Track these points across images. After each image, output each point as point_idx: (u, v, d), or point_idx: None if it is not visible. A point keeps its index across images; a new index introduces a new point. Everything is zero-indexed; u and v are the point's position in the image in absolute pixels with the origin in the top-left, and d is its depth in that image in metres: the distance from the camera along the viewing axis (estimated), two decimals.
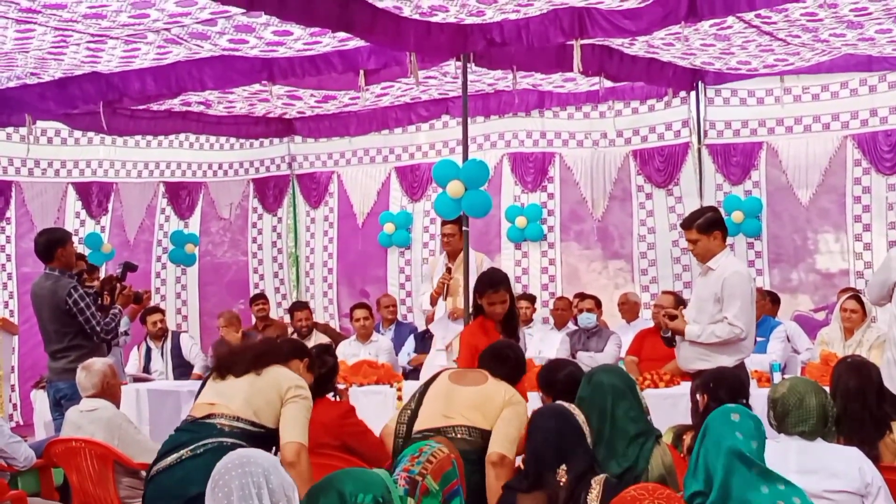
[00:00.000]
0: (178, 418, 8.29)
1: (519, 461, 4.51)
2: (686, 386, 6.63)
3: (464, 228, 7.76)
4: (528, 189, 11.31)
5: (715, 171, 10.52)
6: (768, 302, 9.07)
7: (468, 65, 7.87)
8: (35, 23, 6.62)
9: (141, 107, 9.78)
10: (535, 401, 5.76)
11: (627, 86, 10.01)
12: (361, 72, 8.13)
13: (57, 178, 10.96)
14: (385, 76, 8.65)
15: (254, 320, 10.95)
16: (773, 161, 10.31)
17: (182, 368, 9.98)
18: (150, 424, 8.33)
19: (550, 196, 11.31)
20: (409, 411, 5.11)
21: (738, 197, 10.29)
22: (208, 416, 4.40)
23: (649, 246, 10.83)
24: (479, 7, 6.83)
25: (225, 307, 11.35)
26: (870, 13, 7.20)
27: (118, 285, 7.56)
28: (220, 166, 12.38)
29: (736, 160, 10.42)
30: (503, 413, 4.81)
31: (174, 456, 4.32)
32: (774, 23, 7.51)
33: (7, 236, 10.64)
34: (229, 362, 4.60)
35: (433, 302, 8.61)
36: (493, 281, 6.40)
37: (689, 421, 5.38)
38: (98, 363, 6.29)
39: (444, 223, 8.45)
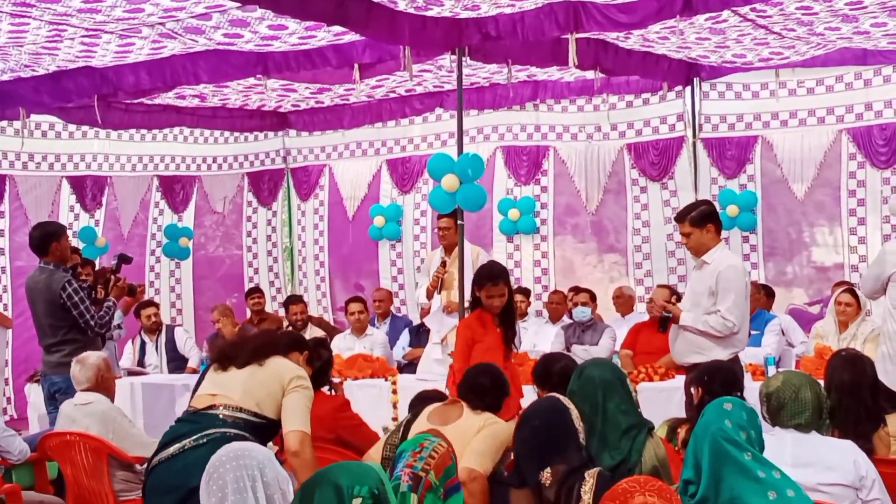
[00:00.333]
0: (172, 412, 8.30)
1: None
2: (681, 379, 6.63)
3: (459, 222, 7.75)
4: (521, 182, 11.31)
5: (710, 164, 10.53)
6: (763, 295, 9.08)
7: (463, 58, 7.86)
8: (29, 16, 6.60)
9: (135, 100, 9.76)
10: (530, 394, 5.79)
11: (622, 79, 10.00)
12: (356, 66, 8.12)
13: (51, 172, 10.95)
14: (380, 70, 8.63)
15: (249, 314, 10.94)
16: (767, 155, 10.31)
17: (177, 362, 9.96)
18: (145, 418, 8.33)
19: (544, 189, 11.31)
20: (392, 445, 5.04)
21: (733, 191, 10.29)
22: (210, 407, 4.40)
23: (644, 239, 10.83)
24: (473, 1, 6.82)
25: (219, 301, 11.35)
26: (865, 7, 7.20)
27: (112, 277, 7.56)
28: (215, 160, 12.36)
29: (731, 154, 10.43)
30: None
31: (176, 446, 4.31)
32: (769, 16, 7.51)
33: (1, 230, 10.62)
34: (231, 353, 4.58)
35: (429, 296, 8.62)
36: (493, 274, 6.40)
37: (683, 414, 5.39)
38: (92, 357, 6.28)
39: (439, 217, 8.46)
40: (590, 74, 9.18)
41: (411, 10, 6.93)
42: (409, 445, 3.59)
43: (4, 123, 10.13)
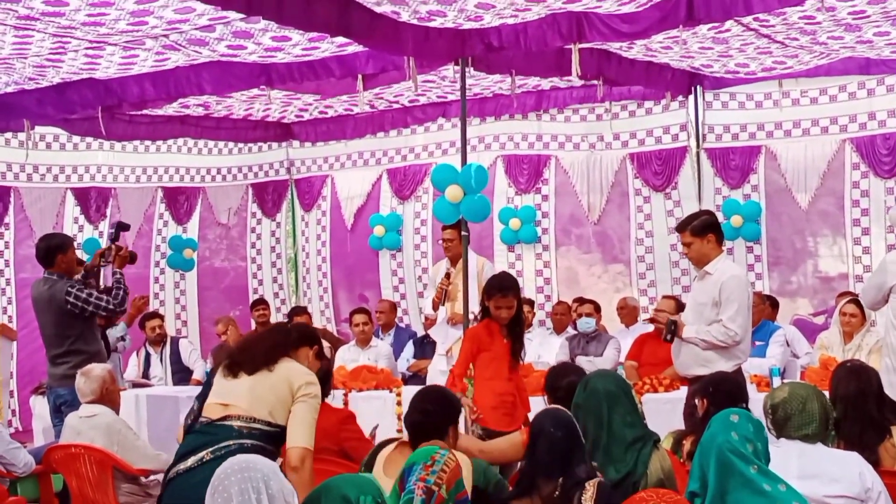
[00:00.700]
0: (177, 424, 8.27)
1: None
2: (686, 391, 6.62)
3: (463, 233, 7.75)
4: (522, 191, 11.30)
5: (714, 174, 10.53)
6: (768, 306, 9.07)
7: (466, 69, 7.87)
8: (33, 29, 6.62)
9: (139, 112, 9.78)
10: (537, 406, 5.78)
11: (625, 89, 10.01)
12: (360, 76, 8.13)
13: (56, 184, 10.96)
14: (383, 80, 8.65)
15: (254, 325, 10.94)
16: (771, 165, 10.31)
17: (181, 374, 9.97)
18: (149, 430, 8.32)
19: (545, 198, 11.30)
20: None
21: (737, 201, 10.29)
22: (224, 419, 4.38)
23: (647, 250, 10.82)
24: (477, 12, 6.83)
25: (223, 313, 11.36)
26: (868, 16, 7.21)
27: (113, 247, 7.48)
28: (219, 171, 12.37)
29: (734, 164, 10.43)
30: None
31: (194, 459, 4.29)
32: (772, 26, 7.52)
33: (6, 242, 10.62)
34: (240, 359, 4.55)
35: (435, 307, 8.63)
36: (503, 285, 6.39)
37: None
38: (97, 369, 6.29)
39: (443, 228, 8.46)
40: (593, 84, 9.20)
41: (414, 21, 6.94)
42: (420, 458, 3.58)
43: (9, 135, 10.15)
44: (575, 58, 7.31)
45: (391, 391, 7.99)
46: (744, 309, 6.22)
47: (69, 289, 7.01)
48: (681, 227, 6.47)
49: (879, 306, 6.44)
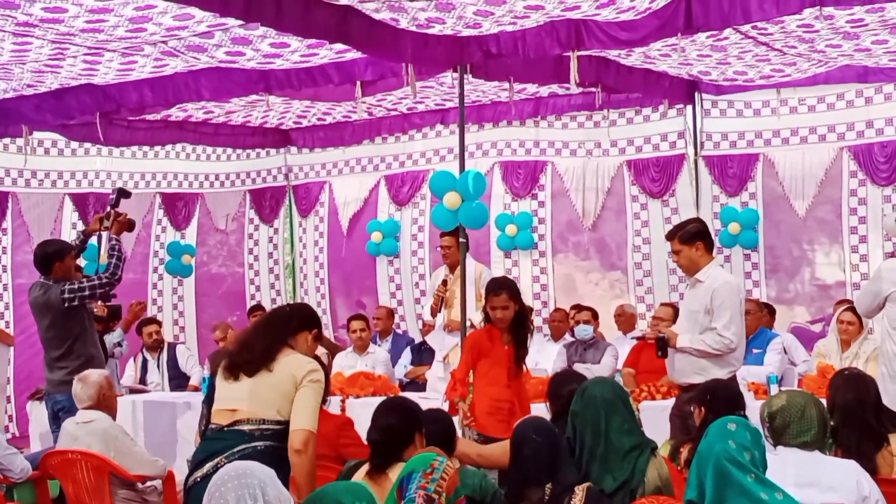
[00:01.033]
0: (174, 430, 8.31)
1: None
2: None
3: (461, 240, 7.76)
4: (518, 197, 11.31)
5: (711, 182, 10.53)
6: (765, 314, 9.06)
7: (465, 76, 7.88)
8: (32, 36, 6.62)
9: (137, 118, 9.78)
10: (537, 412, 5.79)
11: (623, 96, 10.02)
12: (358, 83, 8.14)
13: (54, 189, 10.95)
14: (381, 87, 8.66)
15: None
16: (769, 172, 10.32)
17: (178, 380, 9.95)
18: (146, 436, 8.32)
19: (541, 204, 11.30)
20: None
21: (735, 208, 10.30)
22: (234, 424, 4.42)
23: (644, 257, 10.83)
24: (475, 19, 6.84)
25: (221, 319, 11.34)
26: (866, 24, 7.22)
27: (112, 212, 7.44)
28: (217, 177, 12.37)
29: (732, 171, 10.43)
30: None
31: (210, 465, 4.33)
32: (770, 34, 7.53)
33: (3, 247, 10.61)
34: (239, 361, 4.55)
35: (433, 314, 8.63)
36: (497, 285, 6.43)
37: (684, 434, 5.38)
38: (94, 375, 6.29)
39: (441, 235, 8.47)
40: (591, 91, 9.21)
41: (413, 29, 6.95)
42: (419, 465, 3.58)
43: (7, 141, 10.15)
44: (573, 65, 7.32)
45: (388, 397, 7.97)
46: (737, 316, 6.21)
47: (62, 288, 7.00)
48: (670, 236, 6.48)
49: (874, 314, 6.44)
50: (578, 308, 9.80)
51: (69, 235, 10.77)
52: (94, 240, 7.98)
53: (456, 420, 5.94)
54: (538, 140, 11.28)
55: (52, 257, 7.15)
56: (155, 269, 11.88)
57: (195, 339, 12.05)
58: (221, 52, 7.41)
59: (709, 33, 7.32)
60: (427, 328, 10.29)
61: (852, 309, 8.04)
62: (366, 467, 4.32)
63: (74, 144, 10.80)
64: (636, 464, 4.17)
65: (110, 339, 9.17)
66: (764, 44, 7.83)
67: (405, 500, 3.47)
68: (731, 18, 6.50)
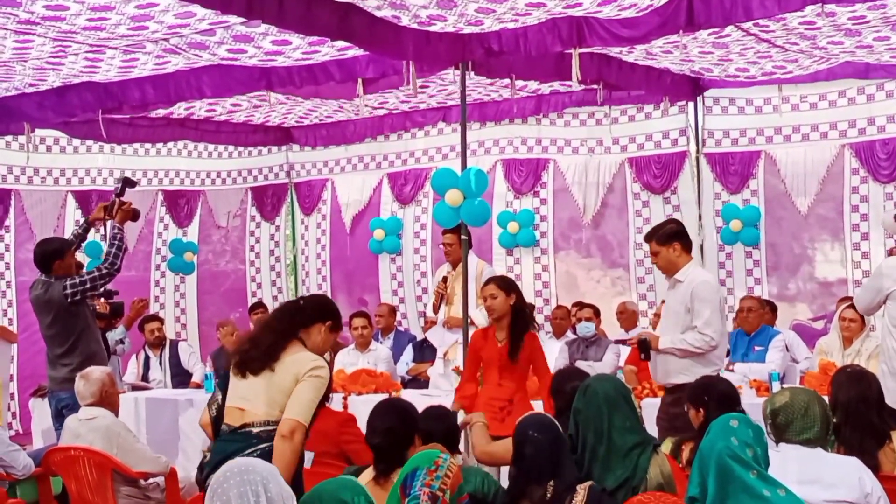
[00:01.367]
0: (176, 427, 8.32)
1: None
2: None
3: (463, 237, 7.76)
4: (520, 194, 11.32)
5: (713, 179, 10.54)
6: (767, 311, 9.06)
7: (467, 73, 7.87)
8: (34, 34, 6.62)
9: (139, 115, 9.79)
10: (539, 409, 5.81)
11: (625, 93, 10.02)
12: (360, 80, 8.13)
13: (56, 187, 10.96)
14: (383, 85, 8.65)
15: (252, 328, 10.95)
16: (771, 170, 10.32)
17: (180, 377, 9.96)
18: (148, 433, 8.33)
19: (543, 202, 11.31)
20: None
21: (737, 206, 10.30)
22: (244, 427, 4.47)
23: (646, 254, 10.77)
24: (477, 16, 6.84)
25: (223, 316, 11.35)
26: (868, 21, 7.22)
27: (117, 200, 7.41)
28: (219, 174, 12.38)
29: (734, 169, 10.44)
30: None
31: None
32: (772, 31, 7.53)
33: (6, 244, 10.62)
34: (246, 358, 4.58)
35: (435, 311, 8.65)
36: (487, 279, 6.51)
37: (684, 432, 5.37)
38: (96, 372, 6.29)
39: (443, 233, 8.48)
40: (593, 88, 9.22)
41: (415, 26, 6.95)
42: (424, 462, 3.58)
43: (9, 138, 10.15)
44: (575, 62, 7.32)
45: (390, 395, 7.99)
46: (717, 313, 6.21)
47: (64, 284, 7.00)
48: (647, 238, 6.50)
49: (874, 311, 6.43)
50: (580, 305, 9.81)
51: (72, 233, 10.79)
52: (98, 236, 8.00)
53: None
54: (540, 137, 11.28)
55: (51, 256, 7.14)
56: (157, 267, 11.89)
57: (197, 336, 12.07)
58: (223, 50, 7.41)
59: (710, 31, 7.32)
60: (428, 325, 10.30)
61: (854, 306, 8.05)
62: (367, 473, 4.31)
63: (76, 142, 10.81)
64: (638, 461, 4.18)
65: (113, 336, 9.18)
66: (766, 41, 7.83)
67: (409, 498, 3.47)
68: (733, 16, 6.50)
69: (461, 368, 7.18)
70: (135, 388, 9.52)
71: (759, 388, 7.40)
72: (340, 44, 7.16)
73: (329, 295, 12.44)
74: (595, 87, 8.92)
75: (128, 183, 7.60)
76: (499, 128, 11.26)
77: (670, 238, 6.33)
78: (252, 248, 12.80)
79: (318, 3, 6.21)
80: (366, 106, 9.58)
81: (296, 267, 12.94)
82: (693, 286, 6.21)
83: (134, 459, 6.00)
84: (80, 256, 8.98)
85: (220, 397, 4.71)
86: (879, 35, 7.65)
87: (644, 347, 6.32)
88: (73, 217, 11.04)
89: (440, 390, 7.88)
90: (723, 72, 9.16)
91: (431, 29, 7.06)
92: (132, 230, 11.17)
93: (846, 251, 9.99)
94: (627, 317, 10.00)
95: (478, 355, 6.48)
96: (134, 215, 7.58)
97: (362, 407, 7.65)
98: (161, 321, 10.42)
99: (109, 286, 7.68)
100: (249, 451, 4.38)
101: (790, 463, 4.03)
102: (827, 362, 7.65)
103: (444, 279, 8.50)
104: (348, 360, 9.40)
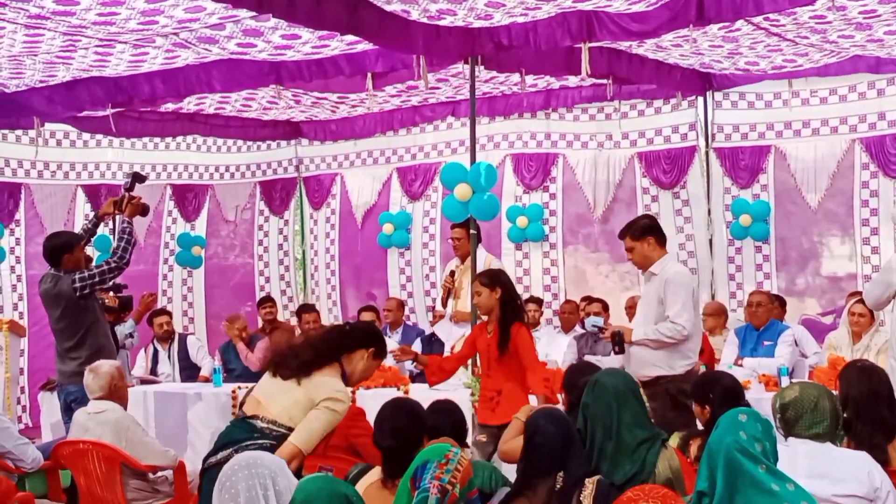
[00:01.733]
0: (184, 420, 8.34)
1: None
2: None
3: (471, 231, 7.76)
4: (530, 189, 11.31)
5: (723, 174, 10.52)
6: (776, 306, 9.05)
7: (476, 68, 7.87)
8: (44, 28, 6.63)
9: (148, 109, 9.81)
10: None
11: (634, 88, 10.00)
12: (369, 75, 8.13)
13: (66, 181, 10.99)
14: (392, 79, 8.65)
15: (260, 323, 10.95)
16: (781, 164, 10.30)
17: (189, 371, 9.98)
18: (157, 426, 8.33)
19: (552, 196, 11.30)
20: None
21: (746, 200, 10.28)
22: (254, 417, 4.73)
23: None
24: (486, 11, 6.83)
25: (231, 310, 11.36)
26: (879, 15, 7.19)
27: (127, 195, 7.43)
28: (227, 169, 12.39)
29: (744, 163, 10.42)
30: None
31: (225, 453, 4.59)
32: (783, 25, 7.50)
33: (17, 238, 10.65)
34: (281, 361, 4.85)
35: (443, 304, 8.66)
36: (476, 274, 6.69)
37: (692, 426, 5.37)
38: (105, 365, 6.30)
39: (452, 227, 8.49)
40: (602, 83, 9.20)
41: (424, 20, 6.95)
42: (434, 456, 3.58)
43: (19, 132, 10.18)
44: (585, 57, 7.31)
45: (399, 389, 8.00)
46: (689, 304, 6.25)
47: (73, 277, 7.01)
48: (622, 234, 6.56)
49: (883, 306, 6.42)
50: (589, 300, 9.81)
51: (81, 227, 10.80)
52: (107, 230, 8.02)
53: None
54: (549, 132, 11.27)
55: (60, 249, 7.16)
56: (165, 261, 11.91)
57: (204, 330, 12.09)
58: (233, 44, 7.41)
59: (720, 25, 7.31)
60: (437, 318, 10.30)
61: (864, 301, 8.03)
62: (373, 474, 4.29)
63: (86, 136, 10.83)
64: (646, 457, 4.17)
65: (122, 329, 9.20)
66: (776, 34, 7.81)
67: (419, 490, 3.47)
68: (743, 10, 6.49)
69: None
70: (143, 381, 9.54)
71: (767, 383, 7.39)
72: (350, 38, 7.16)
73: (338, 289, 12.46)
74: (605, 81, 8.90)
75: (137, 178, 7.63)
76: (508, 122, 11.25)
77: (644, 233, 6.39)
78: (261, 243, 12.81)
79: None
80: (374, 96, 9.57)
81: (304, 261, 12.95)
82: (666, 277, 6.26)
83: (142, 453, 6.01)
84: (89, 251, 9.01)
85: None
86: (890, 29, 7.62)
87: (619, 340, 6.36)
88: (82, 211, 11.07)
89: (448, 384, 7.87)
90: (732, 64, 9.13)
91: (441, 23, 7.05)
92: (141, 224, 11.18)
93: (856, 246, 9.96)
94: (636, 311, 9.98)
95: (473, 345, 6.60)
96: (143, 210, 7.59)
97: (371, 401, 7.63)
98: (170, 315, 10.44)
99: (118, 280, 7.69)
100: (249, 442, 4.55)
101: (799, 457, 4.02)
102: (836, 357, 7.63)
103: (452, 273, 8.50)
104: None
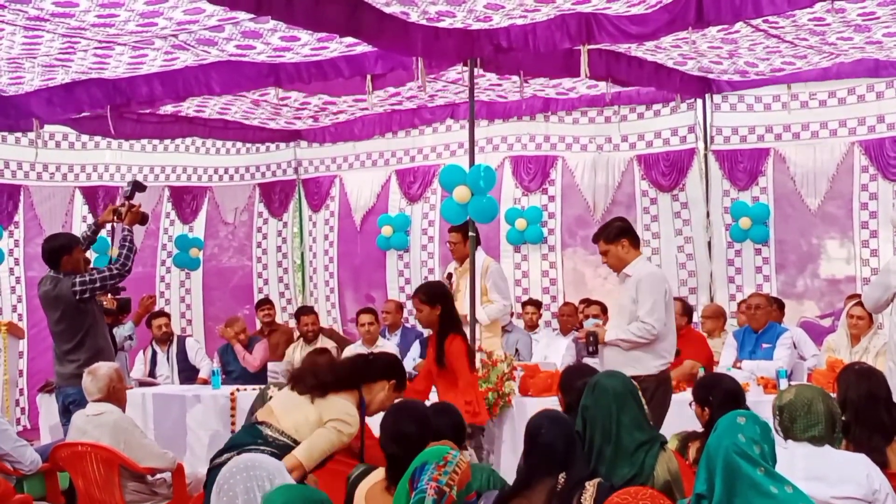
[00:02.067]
0: (183, 423, 8.34)
1: None
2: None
3: (470, 234, 7.75)
4: (528, 191, 11.31)
5: (722, 177, 10.53)
6: (775, 308, 9.05)
7: (475, 70, 7.86)
8: (43, 30, 6.63)
9: (147, 111, 9.81)
10: (549, 405, 5.80)
11: (633, 91, 10.00)
12: (368, 77, 8.13)
13: (64, 182, 10.99)
14: (392, 81, 8.65)
15: (259, 325, 10.95)
16: (780, 167, 10.30)
17: (188, 373, 9.97)
18: (156, 429, 8.33)
19: (551, 199, 11.31)
20: None
21: (746, 203, 10.29)
22: (263, 423, 4.86)
23: (654, 251, 10.80)
24: (486, 13, 6.83)
25: (229, 312, 11.36)
26: (878, 17, 7.19)
27: (127, 203, 7.46)
28: (226, 171, 12.40)
29: (743, 166, 10.43)
30: None
31: (228, 455, 4.65)
32: (782, 27, 7.50)
33: (15, 240, 10.65)
34: (300, 377, 5.04)
35: None
36: (414, 291, 6.84)
37: (691, 427, 5.37)
38: (104, 368, 6.30)
39: (449, 230, 8.47)
40: (602, 85, 9.20)
41: (423, 22, 6.94)
42: (432, 457, 3.58)
43: (18, 134, 10.18)
44: (584, 59, 7.31)
45: (397, 403, 7.97)
46: (660, 304, 6.26)
47: (73, 280, 7.01)
48: (595, 238, 6.60)
49: (882, 309, 6.42)
50: (587, 302, 9.80)
51: (80, 229, 10.80)
52: (105, 233, 8.01)
53: None
54: (548, 134, 11.28)
55: (59, 251, 7.16)
56: (163, 263, 11.92)
57: (202, 332, 12.10)
58: (232, 46, 7.41)
59: (719, 27, 7.31)
60: None
61: (862, 303, 8.03)
62: (375, 476, 4.28)
63: (85, 138, 10.83)
64: (645, 459, 4.18)
65: (120, 332, 9.19)
66: (775, 36, 7.81)
67: (416, 491, 3.47)
68: (742, 12, 6.48)
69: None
70: (142, 383, 9.53)
71: (766, 386, 7.38)
72: (349, 40, 7.15)
73: (336, 291, 12.46)
74: (602, 83, 8.90)
75: (137, 187, 7.69)
76: (507, 125, 11.25)
77: (618, 235, 6.42)
78: (259, 245, 12.81)
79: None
80: (374, 95, 9.57)
81: (303, 263, 12.95)
82: (639, 278, 6.30)
83: (141, 455, 6.00)
84: (88, 255, 9.00)
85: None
86: (889, 31, 7.62)
87: (593, 341, 6.41)
88: (80, 213, 11.08)
89: None
90: (731, 66, 9.13)
91: (440, 25, 7.05)
92: (140, 229, 11.22)
93: (855, 249, 9.97)
94: None
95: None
96: (143, 219, 7.63)
97: None
98: (168, 317, 10.43)
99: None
100: (252, 447, 4.63)
101: (797, 460, 4.03)
102: (834, 359, 7.63)
103: (449, 276, 8.49)
104: None
